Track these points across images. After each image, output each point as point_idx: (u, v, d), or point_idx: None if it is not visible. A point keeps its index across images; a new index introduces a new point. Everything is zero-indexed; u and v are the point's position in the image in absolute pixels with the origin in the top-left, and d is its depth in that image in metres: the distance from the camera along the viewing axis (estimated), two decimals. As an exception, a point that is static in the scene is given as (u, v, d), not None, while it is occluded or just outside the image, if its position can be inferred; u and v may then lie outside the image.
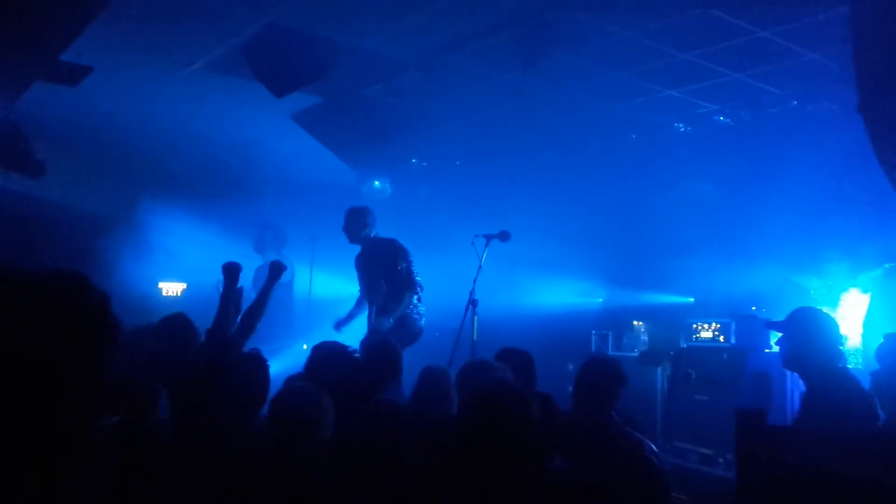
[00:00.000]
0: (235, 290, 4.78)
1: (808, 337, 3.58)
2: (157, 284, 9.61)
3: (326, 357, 3.83)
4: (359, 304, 6.81)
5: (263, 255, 9.07)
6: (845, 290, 6.90)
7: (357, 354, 4.11)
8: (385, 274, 6.50)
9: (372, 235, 6.69)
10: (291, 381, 4.26)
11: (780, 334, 3.78)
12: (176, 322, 4.53)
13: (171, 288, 9.77)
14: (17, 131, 7.20)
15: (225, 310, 4.63)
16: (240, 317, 4.77)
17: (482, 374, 4.03)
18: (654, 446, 3.40)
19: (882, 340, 5.49)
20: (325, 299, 9.05)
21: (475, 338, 6.30)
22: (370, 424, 3.30)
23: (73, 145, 8.56)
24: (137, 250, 8.59)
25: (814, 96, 6.93)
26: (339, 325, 6.72)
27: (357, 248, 6.81)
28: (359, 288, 6.86)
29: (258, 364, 3.53)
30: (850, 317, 6.51)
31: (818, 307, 6.21)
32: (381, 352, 4.38)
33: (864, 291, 6.79)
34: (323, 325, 8.39)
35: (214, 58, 6.72)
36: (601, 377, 3.52)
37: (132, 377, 3.10)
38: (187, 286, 9.66)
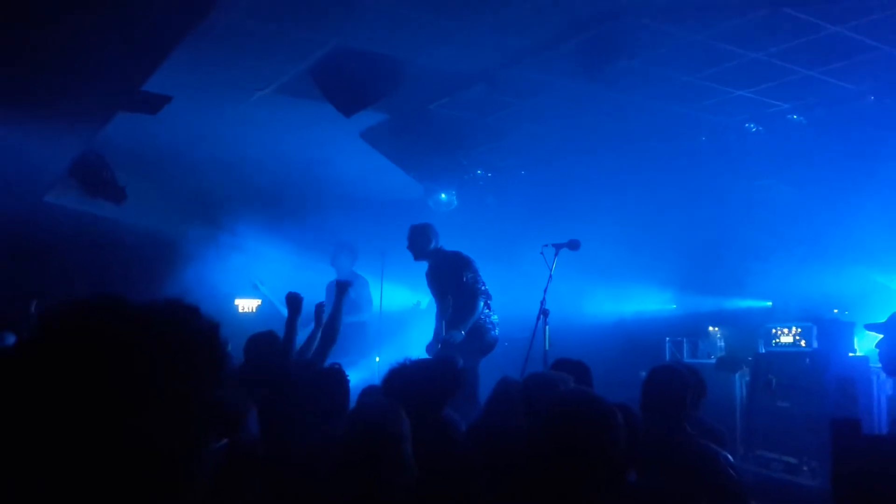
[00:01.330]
0: (297, 316, 5.10)
1: (913, 339, 3.45)
2: (234, 301, 9.89)
3: (406, 373, 3.89)
4: (438, 321, 6.85)
5: (338, 271, 9.26)
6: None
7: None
8: (451, 287, 6.55)
9: (436, 249, 6.75)
10: (366, 394, 4.37)
11: (879, 336, 3.64)
12: (264, 339, 4.69)
13: (247, 304, 10.03)
14: (100, 160, 7.54)
15: (289, 335, 4.87)
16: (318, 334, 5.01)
17: (547, 387, 4.03)
18: (730, 457, 3.31)
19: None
20: (395, 312, 9.16)
21: (547, 347, 6.28)
22: (430, 440, 3.32)
23: (153, 170, 8.90)
24: (214, 268, 8.85)
25: (890, 91, 6.69)
26: (430, 348, 6.72)
27: (425, 265, 6.88)
28: (435, 304, 6.92)
29: (339, 377, 3.63)
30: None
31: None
32: (439, 367, 4.39)
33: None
34: (394, 338, 8.50)
35: (285, 81, 6.90)
36: (669, 386, 3.40)
37: (223, 398, 3.19)
38: (262, 302, 9.90)
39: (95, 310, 1.29)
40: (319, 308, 5.72)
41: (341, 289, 5.33)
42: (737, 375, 6.90)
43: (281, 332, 5.03)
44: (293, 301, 5.15)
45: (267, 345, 4.68)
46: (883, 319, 3.63)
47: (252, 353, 4.61)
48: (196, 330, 1.31)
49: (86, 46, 4.84)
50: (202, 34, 5.63)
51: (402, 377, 3.90)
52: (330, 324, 5.02)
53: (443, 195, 9.88)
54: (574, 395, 2.40)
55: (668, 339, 7.85)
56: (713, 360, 7.27)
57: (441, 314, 6.69)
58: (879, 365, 3.80)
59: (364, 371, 7.70)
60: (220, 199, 9.23)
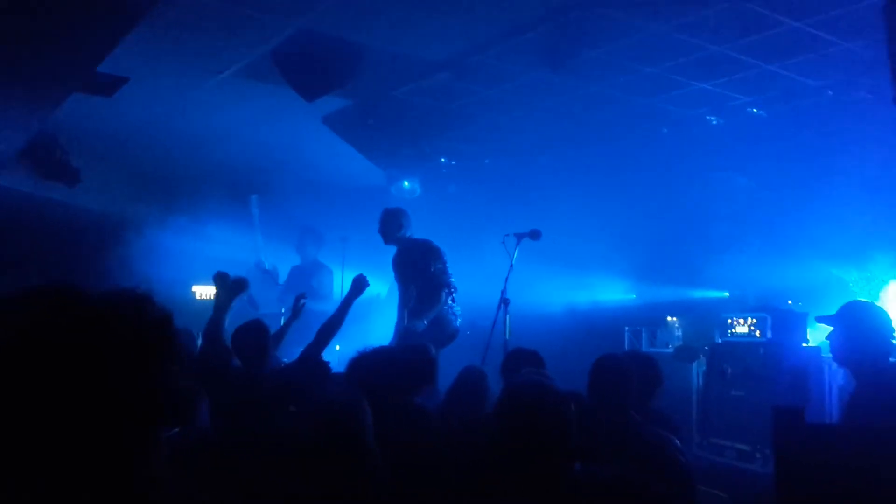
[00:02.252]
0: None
1: (861, 331, 3.51)
2: (191, 288, 9.74)
3: (371, 361, 3.89)
4: (400, 309, 6.82)
5: (302, 257, 9.20)
6: (886, 282, 6.79)
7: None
8: (418, 275, 6.54)
9: (407, 236, 6.73)
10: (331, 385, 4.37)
11: (829, 328, 3.70)
12: (253, 328, 4.60)
13: (205, 291, 9.89)
14: (53, 141, 7.37)
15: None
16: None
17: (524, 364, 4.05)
18: (679, 443, 3.35)
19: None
20: (356, 301, 9.09)
21: (507, 336, 6.31)
22: (402, 427, 3.33)
23: (108, 153, 8.73)
24: (171, 255, 8.72)
25: (849, 86, 6.81)
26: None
27: (392, 250, 6.85)
28: (398, 291, 6.89)
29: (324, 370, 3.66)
30: (890, 310, 6.40)
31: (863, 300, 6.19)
32: (419, 356, 4.39)
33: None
34: (354, 327, 8.45)
35: (245, 64, 6.80)
36: (613, 374, 3.40)
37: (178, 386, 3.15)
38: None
39: (46, 299, 1.27)
40: (298, 299, 5.64)
41: (358, 285, 5.21)
42: (693, 365, 7.00)
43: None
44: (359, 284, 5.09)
45: (257, 333, 4.58)
46: (834, 311, 3.70)
47: (241, 342, 4.51)
48: (148, 319, 1.29)
49: (39, 26, 4.71)
50: (161, 14, 5.52)
51: (373, 364, 3.89)
52: (336, 318, 4.94)
53: (406, 183, 9.85)
54: (529, 384, 2.40)
55: (627, 328, 7.93)
56: (671, 350, 7.36)
57: (403, 302, 6.67)
58: (831, 355, 3.89)
59: (325, 359, 7.64)
60: (177, 183, 9.09)
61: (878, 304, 6.45)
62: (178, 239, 8.94)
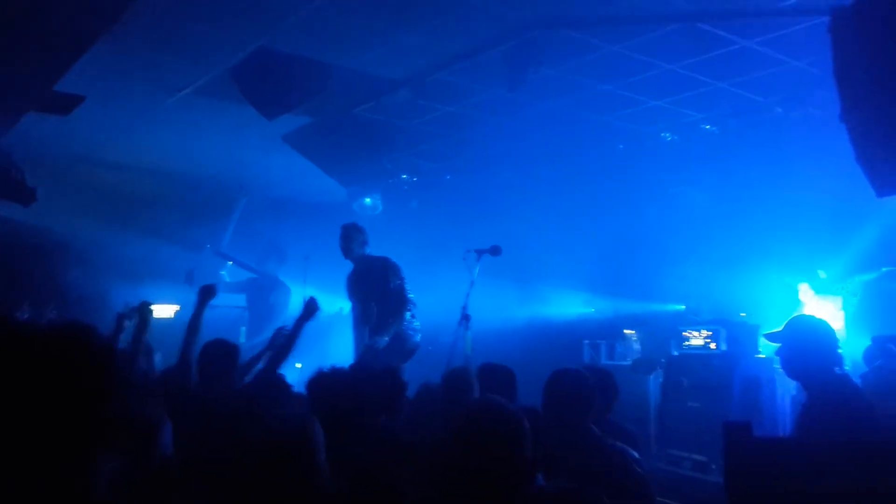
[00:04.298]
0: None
1: (807, 345, 3.61)
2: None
3: (328, 382, 3.88)
4: (357, 327, 6.81)
5: (263, 272, 9.20)
6: (835, 293, 6.99)
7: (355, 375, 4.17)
8: (378, 293, 6.54)
9: (365, 253, 6.73)
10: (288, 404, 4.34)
11: (778, 345, 3.82)
12: (221, 348, 4.55)
13: (164, 310, 9.78)
14: (8, 161, 7.24)
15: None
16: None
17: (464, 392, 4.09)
18: (636, 455, 3.40)
19: (870, 343, 5.60)
20: (317, 318, 9.07)
21: (469, 352, 6.34)
22: (368, 449, 3.33)
23: (65, 171, 8.61)
24: (129, 273, 8.62)
25: (798, 103, 7.02)
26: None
27: (349, 267, 6.84)
28: (351, 308, 6.87)
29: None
30: (837, 320, 6.59)
31: (810, 313, 6.36)
32: (391, 380, 4.38)
33: (852, 295, 6.88)
34: (315, 345, 8.43)
35: (205, 82, 6.78)
36: (568, 389, 3.43)
37: (135, 412, 3.12)
38: (181, 307, 9.69)
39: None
40: (278, 333, 5.59)
41: (309, 309, 5.03)
42: (651, 377, 7.11)
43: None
44: (310, 308, 5.01)
45: (224, 352, 4.53)
46: (782, 325, 3.81)
47: (209, 361, 4.46)
48: (89, 351, 1.31)
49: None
50: (120, 32, 5.49)
51: (340, 384, 3.87)
52: (288, 341, 4.83)
53: (367, 199, 9.86)
54: (482, 405, 2.43)
55: (586, 341, 8.03)
56: (629, 363, 7.47)
57: (362, 319, 6.66)
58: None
59: (287, 377, 7.60)
60: (135, 201, 8.98)
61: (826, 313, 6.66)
62: (136, 257, 8.85)
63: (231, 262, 9.62)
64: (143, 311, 5.01)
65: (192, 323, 4.76)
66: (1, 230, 7.70)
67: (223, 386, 4.42)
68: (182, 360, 4.64)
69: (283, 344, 4.83)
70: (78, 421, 1.28)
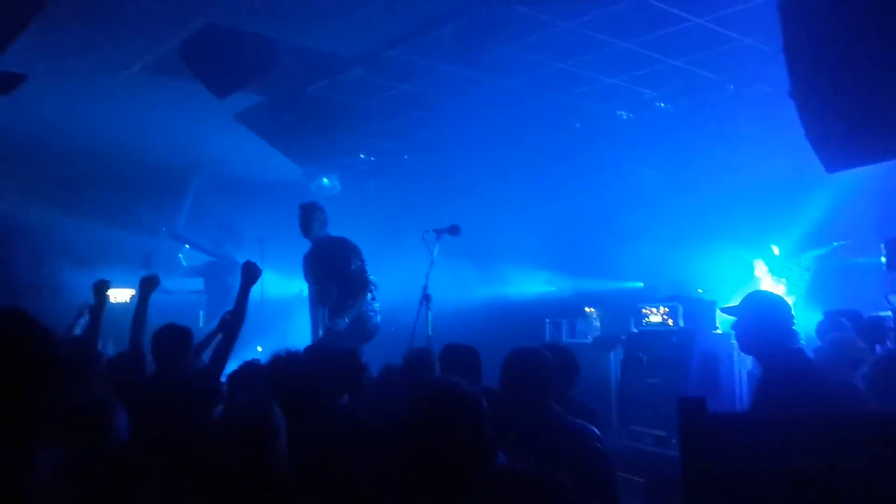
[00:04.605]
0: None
1: (762, 320, 3.64)
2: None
3: (286, 365, 3.82)
4: (314, 307, 6.73)
5: (219, 254, 9.07)
6: (788, 268, 7.10)
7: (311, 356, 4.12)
8: (337, 274, 6.48)
9: (323, 234, 6.65)
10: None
11: (734, 318, 3.85)
12: (171, 333, 4.44)
13: (119, 294, 9.58)
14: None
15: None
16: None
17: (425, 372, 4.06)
18: (597, 431, 3.41)
19: (822, 318, 5.70)
20: (276, 301, 8.98)
21: (430, 332, 6.33)
22: (328, 432, 3.29)
23: (10, 154, 8.34)
24: (81, 259, 8.42)
25: (749, 80, 7.08)
26: (314, 339, 6.57)
27: (307, 247, 6.75)
28: (308, 288, 6.79)
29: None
30: (790, 295, 6.70)
31: (765, 288, 6.45)
32: (349, 361, 4.32)
33: (805, 270, 7.00)
34: (275, 327, 8.34)
35: (152, 60, 6.60)
36: (527, 368, 3.41)
37: (86, 399, 3.05)
38: (135, 292, 9.50)
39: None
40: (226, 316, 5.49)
41: (248, 273, 4.76)
42: (611, 354, 7.16)
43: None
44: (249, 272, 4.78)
45: (177, 338, 4.42)
46: (738, 301, 3.84)
47: (162, 346, 4.36)
48: (26, 337, 1.24)
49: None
50: (59, 8, 5.30)
51: (297, 367, 3.81)
52: (236, 312, 4.62)
53: (325, 179, 9.75)
54: (439, 386, 2.40)
55: (547, 320, 8.04)
56: (590, 340, 7.52)
57: (319, 300, 6.59)
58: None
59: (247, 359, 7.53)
60: (84, 183, 8.75)
61: (781, 288, 6.77)
62: (88, 240, 8.64)
63: (187, 246, 9.47)
64: (101, 289, 4.86)
65: (136, 314, 4.66)
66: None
67: (177, 371, 4.35)
68: (133, 349, 4.55)
69: (233, 316, 4.62)
70: (12, 407, 1.21)
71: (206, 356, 5.30)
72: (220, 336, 4.70)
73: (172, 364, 4.36)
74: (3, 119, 7.51)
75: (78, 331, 5.87)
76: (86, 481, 2.76)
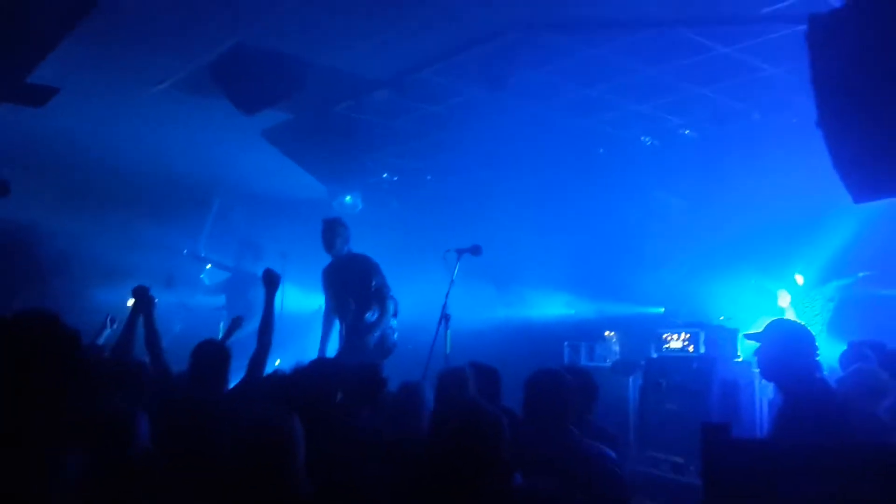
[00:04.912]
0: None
1: (786, 348, 3.63)
2: (127, 303, 9.51)
3: (307, 377, 3.84)
4: (328, 320, 6.76)
5: (240, 269, 9.15)
6: (812, 298, 7.05)
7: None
8: (357, 290, 6.50)
9: (346, 250, 6.69)
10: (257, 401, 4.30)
11: (757, 344, 3.83)
12: (210, 348, 4.49)
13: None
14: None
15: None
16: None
17: (455, 388, 4.05)
18: (615, 456, 3.39)
19: (846, 348, 5.64)
20: (295, 315, 9.03)
21: (448, 352, 6.32)
22: (346, 446, 3.30)
23: (39, 165, 8.48)
24: (106, 270, 8.52)
25: (775, 109, 7.08)
26: (321, 351, 6.65)
27: (327, 261, 6.79)
28: (325, 302, 6.81)
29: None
30: (814, 325, 6.65)
31: (789, 317, 6.41)
32: (371, 375, 4.33)
33: (829, 300, 6.94)
34: (294, 341, 8.37)
35: (183, 77, 6.71)
36: (548, 389, 3.41)
37: (108, 407, 3.08)
38: (157, 301, 9.58)
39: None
40: (236, 322, 5.57)
41: (270, 280, 4.96)
42: (630, 379, 7.12)
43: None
44: (270, 280, 4.96)
45: (215, 354, 4.46)
46: (761, 328, 3.83)
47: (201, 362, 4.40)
48: (54, 339, 1.27)
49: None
50: (94, 24, 5.41)
51: (316, 382, 3.83)
52: (264, 322, 4.73)
53: (347, 197, 9.80)
54: (461, 405, 2.42)
55: (566, 343, 8.02)
56: (609, 364, 7.48)
57: (337, 315, 6.61)
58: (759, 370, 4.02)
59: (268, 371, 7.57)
60: (111, 196, 8.86)
61: (803, 318, 6.71)
62: (113, 252, 8.75)
63: (209, 266, 9.56)
64: (140, 295, 4.90)
65: (145, 327, 4.71)
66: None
67: (213, 387, 4.36)
68: (154, 361, 4.59)
69: (263, 325, 4.74)
70: (41, 408, 1.24)
71: None
72: (255, 347, 4.73)
73: (208, 379, 4.37)
74: (34, 130, 7.65)
75: (102, 341, 5.94)
76: (108, 487, 2.78)
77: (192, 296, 8.99)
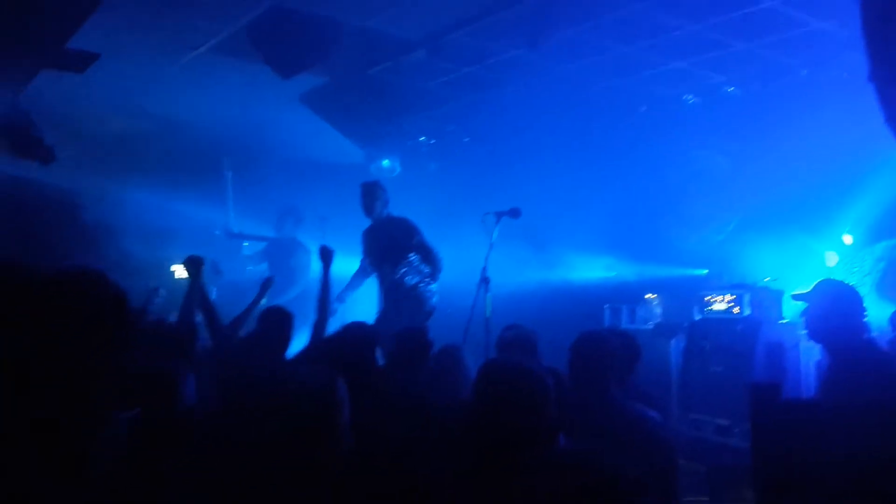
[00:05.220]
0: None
1: (834, 308, 3.56)
2: (170, 268, 9.66)
3: (346, 342, 3.85)
4: (358, 276, 6.82)
5: (280, 234, 9.20)
6: (861, 258, 6.88)
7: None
8: (399, 253, 6.53)
9: (385, 213, 6.71)
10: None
11: (804, 305, 3.76)
12: (276, 314, 4.60)
13: (184, 271, 9.81)
14: (27, 118, 7.22)
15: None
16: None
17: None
18: (659, 418, 3.36)
19: (896, 309, 5.51)
20: (335, 279, 9.07)
21: (488, 315, 6.31)
22: (388, 413, 3.31)
23: (81, 131, 8.58)
24: (147, 234, 8.63)
25: (824, 65, 6.85)
26: (341, 297, 6.76)
27: (366, 225, 6.82)
28: (361, 261, 6.88)
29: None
30: (862, 285, 6.50)
31: (837, 277, 6.26)
32: (412, 339, 4.33)
33: (878, 260, 6.77)
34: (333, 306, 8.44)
35: (220, 41, 6.71)
36: (594, 352, 3.39)
37: (154, 366, 3.14)
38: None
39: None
40: (267, 283, 5.71)
41: (326, 256, 5.28)
42: (673, 341, 7.04)
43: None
44: (326, 255, 5.30)
45: (281, 319, 4.58)
46: (809, 288, 3.74)
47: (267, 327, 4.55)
48: (100, 295, 1.26)
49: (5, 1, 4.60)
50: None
51: (351, 344, 3.84)
52: (321, 294, 5.05)
53: (385, 161, 9.79)
54: (503, 364, 2.40)
55: (607, 305, 7.95)
56: (651, 327, 7.41)
57: (376, 277, 6.68)
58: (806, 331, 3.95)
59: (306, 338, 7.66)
60: (151, 162, 8.95)
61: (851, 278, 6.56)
62: (154, 217, 8.85)
63: (247, 243, 9.62)
64: (192, 265, 5.00)
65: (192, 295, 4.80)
66: (22, 190, 7.71)
67: (274, 352, 4.45)
68: (183, 323, 4.68)
69: (321, 296, 5.04)
70: (91, 364, 1.24)
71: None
72: (315, 317, 4.98)
73: (272, 344, 4.47)
74: (74, 96, 7.73)
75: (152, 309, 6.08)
76: (154, 445, 2.84)
77: (235, 269, 9.03)
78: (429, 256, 6.52)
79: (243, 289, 7.70)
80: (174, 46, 6.87)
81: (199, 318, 5.02)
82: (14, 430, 1.14)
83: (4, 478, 1.13)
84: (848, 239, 6.92)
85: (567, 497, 2.20)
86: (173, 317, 6.24)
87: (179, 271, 9.74)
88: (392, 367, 3.92)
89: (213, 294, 6.79)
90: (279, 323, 4.56)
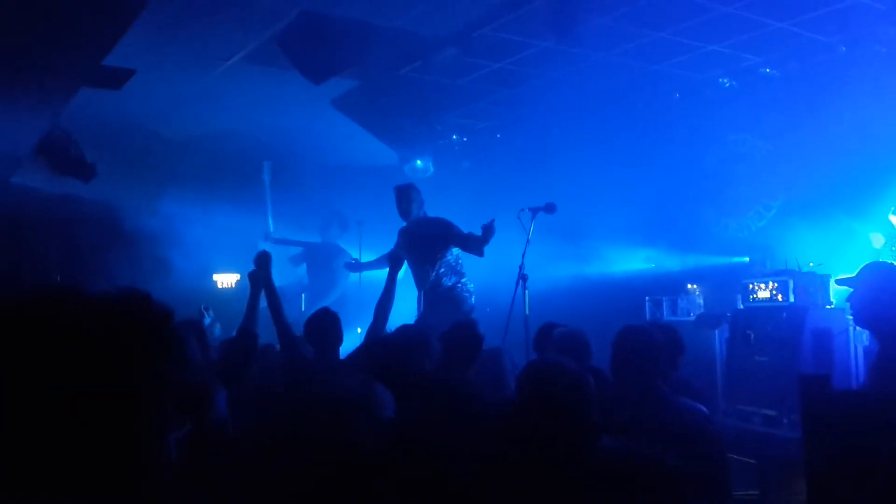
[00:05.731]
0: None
1: (881, 291, 3.45)
2: (212, 277, 9.81)
3: (393, 347, 3.87)
4: (380, 261, 6.79)
5: (325, 238, 9.31)
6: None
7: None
8: (437, 254, 6.51)
9: (422, 214, 6.71)
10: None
11: (850, 290, 3.65)
12: (324, 317, 4.64)
13: (226, 280, 9.96)
14: (67, 137, 7.38)
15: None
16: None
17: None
18: (706, 411, 3.30)
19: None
20: (374, 283, 9.11)
21: (527, 312, 6.28)
22: (439, 414, 3.30)
23: (120, 146, 8.74)
24: (188, 245, 8.76)
25: (862, 40, 6.67)
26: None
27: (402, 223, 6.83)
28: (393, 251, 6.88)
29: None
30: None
31: (884, 259, 6.10)
32: (465, 334, 4.30)
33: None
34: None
35: (251, 50, 6.78)
36: (638, 345, 3.29)
37: (189, 379, 3.17)
38: (241, 277, 9.83)
39: (48, 300, 1.26)
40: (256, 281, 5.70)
41: (395, 262, 5.46)
42: (716, 332, 6.92)
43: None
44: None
45: (328, 322, 4.60)
46: (855, 272, 3.64)
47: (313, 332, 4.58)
48: (147, 318, 1.28)
49: (42, 21, 4.69)
50: (164, 4, 5.50)
51: (398, 348, 3.83)
52: (383, 296, 5.21)
53: (418, 162, 9.80)
54: (544, 364, 2.38)
55: (647, 298, 7.84)
56: (693, 318, 7.29)
57: (419, 282, 6.65)
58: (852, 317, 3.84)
59: (348, 342, 7.71)
60: (190, 173, 9.09)
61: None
62: (194, 229, 8.98)
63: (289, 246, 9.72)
64: (256, 279, 4.99)
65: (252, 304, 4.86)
66: (62, 207, 7.87)
67: (326, 354, 4.50)
68: (243, 334, 4.71)
69: (382, 299, 5.22)
70: (149, 395, 1.26)
71: None
72: (371, 321, 5.14)
73: (323, 347, 4.53)
74: (113, 112, 7.88)
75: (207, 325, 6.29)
76: (188, 458, 2.88)
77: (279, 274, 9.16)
78: (468, 244, 6.44)
79: (287, 296, 7.79)
80: (206, 59, 6.96)
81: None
82: (70, 459, 1.16)
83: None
84: (894, 219, 6.72)
85: (611, 495, 2.18)
86: (217, 329, 6.36)
87: (221, 281, 9.92)
88: (442, 368, 3.90)
89: (217, 331, 6.90)
90: (332, 324, 4.57)
